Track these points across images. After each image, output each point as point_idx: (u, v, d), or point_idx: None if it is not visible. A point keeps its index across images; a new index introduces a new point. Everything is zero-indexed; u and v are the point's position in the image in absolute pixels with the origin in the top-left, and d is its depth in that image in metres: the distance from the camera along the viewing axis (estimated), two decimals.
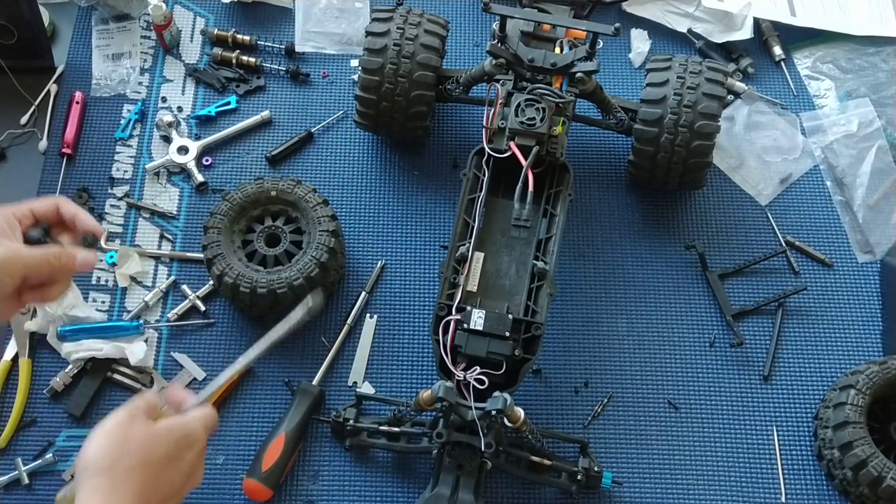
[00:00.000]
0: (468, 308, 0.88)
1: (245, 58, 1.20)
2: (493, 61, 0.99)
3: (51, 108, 1.17)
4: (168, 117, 1.15)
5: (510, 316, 0.88)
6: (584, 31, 0.98)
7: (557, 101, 0.96)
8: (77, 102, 1.16)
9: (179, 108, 1.18)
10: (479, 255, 0.94)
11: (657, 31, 1.25)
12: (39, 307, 1.02)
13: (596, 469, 0.93)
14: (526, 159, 0.93)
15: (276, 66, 1.20)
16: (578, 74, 0.98)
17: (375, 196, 1.13)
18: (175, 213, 1.12)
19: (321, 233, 1.00)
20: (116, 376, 1.01)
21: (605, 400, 1.02)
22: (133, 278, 1.07)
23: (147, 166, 1.13)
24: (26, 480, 0.95)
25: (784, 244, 1.12)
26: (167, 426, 0.68)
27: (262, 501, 0.94)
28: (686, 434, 1.01)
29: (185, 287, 1.06)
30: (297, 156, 1.16)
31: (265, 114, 1.17)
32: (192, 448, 0.69)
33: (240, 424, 0.99)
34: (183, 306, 1.05)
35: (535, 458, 0.92)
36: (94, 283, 1.07)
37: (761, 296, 1.08)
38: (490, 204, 0.97)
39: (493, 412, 0.82)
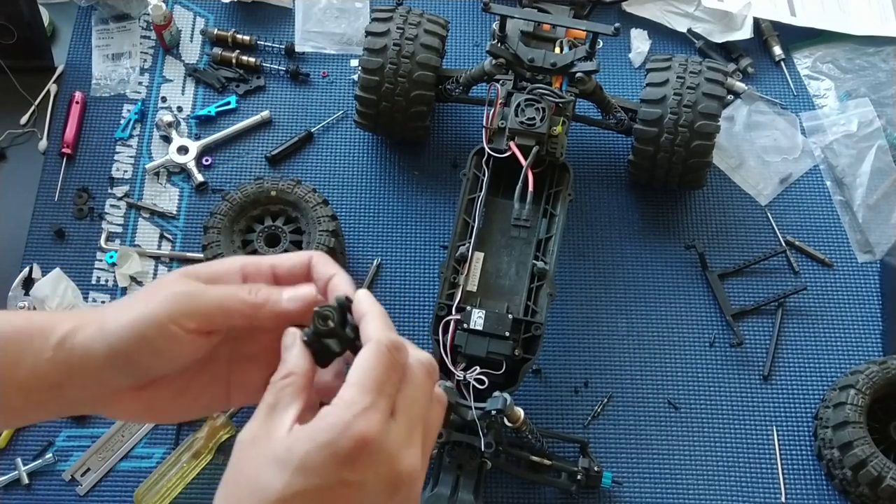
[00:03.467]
0: (468, 308, 0.88)
1: (245, 58, 1.20)
2: (493, 61, 0.99)
3: (51, 108, 1.17)
4: (168, 117, 1.15)
5: (510, 316, 0.88)
6: (583, 31, 0.98)
7: (557, 101, 0.96)
8: (77, 102, 1.16)
9: (179, 108, 1.18)
10: (479, 255, 0.94)
11: (657, 31, 1.25)
12: (39, 307, 1.01)
13: (596, 469, 0.93)
14: (526, 159, 0.92)
15: (276, 66, 1.20)
16: (578, 74, 0.98)
17: (375, 196, 1.13)
18: (175, 213, 1.12)
19: (321, 233, 1.00)
20: None
21: (605, 400, 1.02)
22: (133, 278, 1.07)
23: (147, 166, 1.13)
24: (26, 480, 0.95)
25: (784, 244, 1.12)
26: (328, 424, 0.42)
27: None
28: (686, 434, 1.01)
29: None
30: (297, 156, 1.16)
31: (265, 114, 1.17)
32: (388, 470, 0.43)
33: (239, 425, 0.99)
34: None
35: (535, 458, 0.92)
36: (94, 283, 1.07)
37: (761, 296, 1.08)
38: (490, 204, 0.97)
39: (493, 412, 0.82)
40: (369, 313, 0.47)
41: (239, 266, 0.51)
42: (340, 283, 0.50)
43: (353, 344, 0.47)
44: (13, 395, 0.48)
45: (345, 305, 0.47)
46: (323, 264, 0.51)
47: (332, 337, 0.47)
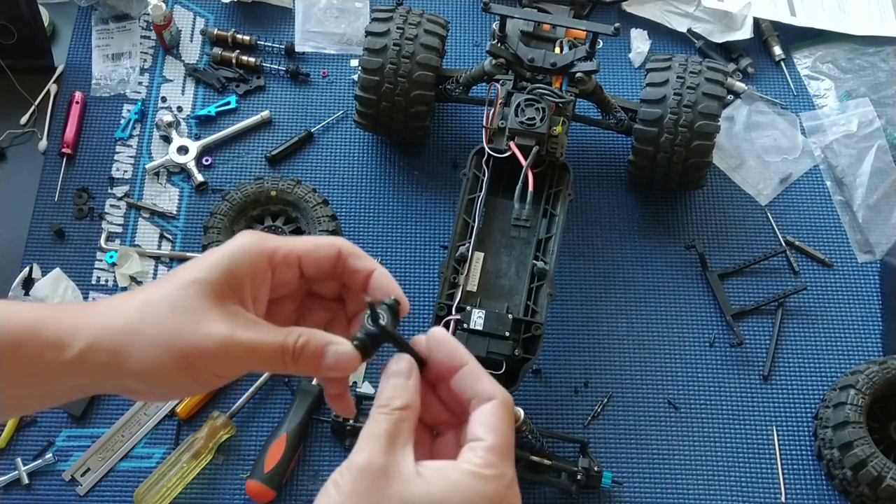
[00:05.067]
0: (468, 308, 0.88)
1: (245, 58, 1.20)
2: (493, 61, 0.99)
3: (51, 108, 1.17)
4: (168, 117, 1.15)
5: (510, 316, 0.88)
6: (583, 31, 0.98)
7: (557, 101, 0.96)
8: (77, 102, 1.16)
9: (179, 108, 1.18)
10: (479, 255, 0.94)
11: (657, 31, 1.25)
12: None
13: (596, 469, 0.93)
14: (526, 159, 0.93)
15: (276, 66, 1.20)
16: (578, 74, 0.98)
17: (375, 196, 1.13)
18: (175, 213, 1.12)
19: (321, 233, 1.00)
20: None
21: (605, 400, 1.02)
22: (133, 278, 1.07)
23: (147, 166, 1.13)
24: (26, 480, 0.95)
25: (784, 244, 1.12)
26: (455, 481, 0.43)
27: (265, 503, 0.94)
28: (686, 434, 1.01)
29: None
30: (297, 156, 1.16)
31: (265, 114, 1.17)
32: None
33: (239, 425, 0.99)
34: None
35: (535, 458, 0.92)
36: (94, 283, 1.07)
37: (761, 296, 1.08)
38: (490, 204, 0.97)
39: None
40: (476, 368, 0.48)
41: (265, 264, 0.49)
42: (384, 280, 0.50)
43: (407, 348, 0.48)
44: (33, 402, 0.48)
45: (395, 309, 0.48)
46: (357, 257, 0.50)
47: (386, 340, 0.47)
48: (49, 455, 0.96)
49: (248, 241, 0.49)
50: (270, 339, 0.47)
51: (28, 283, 1.04)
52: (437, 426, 0.51)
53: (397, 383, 0.46)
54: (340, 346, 0.47)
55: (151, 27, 1.21)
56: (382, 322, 0.46)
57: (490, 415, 0.46)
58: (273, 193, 1.03)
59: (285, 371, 0.48)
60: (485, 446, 0.45)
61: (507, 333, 0.86)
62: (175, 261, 1.09)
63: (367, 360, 0.48)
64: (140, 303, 0.47)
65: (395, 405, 0.45)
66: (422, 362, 0.48)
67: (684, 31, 1.25)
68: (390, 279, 0.50)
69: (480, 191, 0.95)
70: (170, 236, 1.10)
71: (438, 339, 0.48)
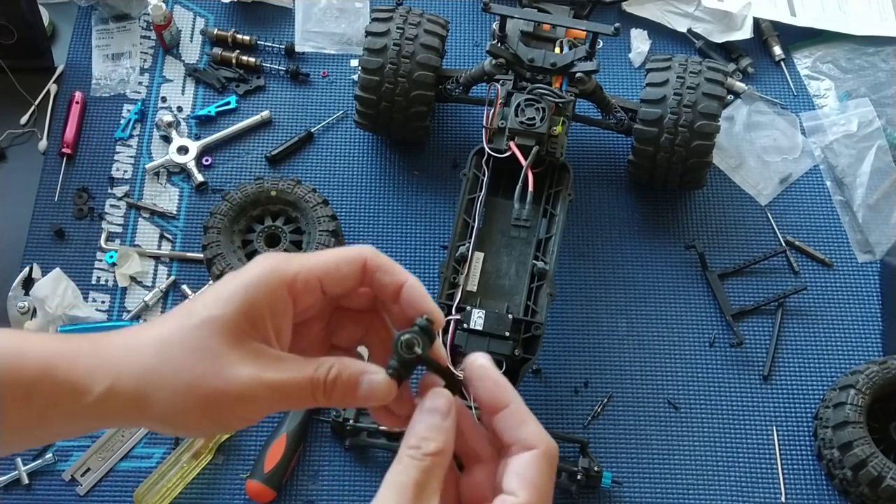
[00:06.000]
0: (468, 308, 0.88)
1: (245, 58, 1.20)
2: (493, 61, 0.99)
3: (51, 108, 1.17)
4: (168, 117, 1.15)
5: (510, 316, 0.88)
6: (583, 31, 0.98)
7: (557, 101, 0.96)
8: (77, 102, 1.16)
9: (179, 108, 1.18)
10: (479, 255, 0.94)
11: (657, 31, 1.25)
12: (39, 308, 1.01)
13: (596, 469, 0.93)
14: (526, 159, 0.92)
15: (276, 66, 1.20)
16: (578, 74, 0.98)
17: (375, 196, 1.13)
18: (175, 213, 1.11)
19: (321, 233, 1.00)
20: None
21: (605, 400, 1.02)
22: (133, 278, 1.07)
23: (147, 166, 1.13)
24: (26, 480, 0.95)
25: (784, 244, 1.12)
26: None
27: (265, 503, 0.94)
28: (686, 434, 1.01)
29: (185, 287, 1.06)
30: (297, 156, 1.16)
31: (265, 114, 1.17)
32: None
33: None
34: None
35: None
36: (94, 283, 1.07)
37: (761, 296, 1.08)
38: (490, 204, 0.97)
39: None
40: (520, 410, 0.43)
41: (285, 294, 0.45)
42: (416, 295, 0.46)
43: (445, 372, 0.45)
44: (47, 438, 0.46)
45: (429, 330, 0.44)
46: (384, 271, 0.46)
47: (419, 364, 0.44)
48: (49, 455, 0.96)
49: (264, 269, 0.44)
50: (299, 377, 0.43)
51: (28, 283, 1.04)
52: (465, 457, 0.47)
53: (433, 423, 0.43)
54: (375, 375, 0.43)
55: (151, 27, 1.21)
56: (418, 350, 0.43)
57: (529, 467, 0.42)
58: (273, 193, 1.02)
59: (317, 406, 0.45)
60: (518, 503, 0.41)
61: (507, 333, 0.86)
62: (175, 261, 1.09)
63: (404, 382, 0.45)
64: (156, 343, 0.43)
65: (427, 449, 0.42)
66: (459, 387, 0.45)
67: (684, 31, 1.25)
68: (422, 294, 0.46)
69: (480, 191, 0.95)
70: (170, 236, 1.10)
71: (480, 374, 0.45)
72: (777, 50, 1.24)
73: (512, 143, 0.94)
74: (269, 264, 0.45)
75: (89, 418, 0.44)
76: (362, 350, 0.51)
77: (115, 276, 1.07)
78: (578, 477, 0.92)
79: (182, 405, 0.43)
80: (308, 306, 0.47)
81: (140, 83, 1.20)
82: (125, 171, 1.14)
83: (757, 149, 1.17)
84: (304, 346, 0.47)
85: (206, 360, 0.42)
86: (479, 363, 0.45)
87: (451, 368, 0.46)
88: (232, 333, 0.43)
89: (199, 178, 1.12)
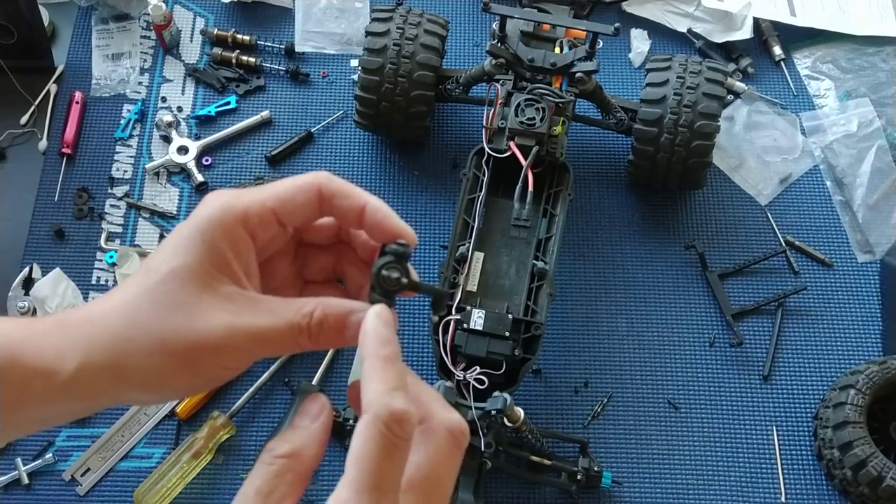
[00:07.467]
0: (468, 308, 0.87)
1: (245, 58, 1.20)
2: (493, 61, 0.99)
3: (51, 108, 1.17)
4: (168, 117, 1.15)
5: (510, 316, 0.88)
6: (583, 31, 0.98)
7: (557, 101, 0.96)
8: (77, 102, 1.16)
9: (179, 108, 1.18)
10: (479, 255, 0.94)
11: (657, 31, 1.25)
12: (39, 308, 1.01)
13: (596, 469, 0.93)
14: (526, 159, 0.93)
15: (276, 66, 1.20)
16: (578, 74, 0.98)
17: (375, 196, 1.13)
18: (175, 213, 1.11)
19: None
20: None
21: (605, 400, 1.02)
22: None
23: (147, 166, 1.13)
24: (26, 480, 0.95)
25: (784, 244, 1.12)
26: None
27: None
28: (686, 434, 1.01)
29: None
30: (297, 156, 1.16)
31: (265, 114, 1.17)
32: None
33: (239, 425, 0.99)
34: None
35: (535, 458, 0.92)
36: (93, 283, 1.07)
37: (761, 296, 1.08)
38: (490, 204, 0.97)
39: (493, 412, 0.82)
40: (369, 360, 0.38)
41: (241, 232, 0.42)
42: (380, 216, 0.43)
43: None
44: (28, 426, 0.43)
45: (405, 254, 0.42)
46: (342, 196, 0.43)
47: (402, 289, 0.42)
48: (49, 455, 0.96)
49: (214, 209, 0.41)
50: (280, 323, 0.40)
51: (28, 283, 1.04)
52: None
53: (297, 425, 0.40)
54: (363, 312, 0.40)
55: (151, 27, 1.21)
56: (404, 281, 0.41)
57: (355, 444, 0.37)
58: None
59: (302, 350, 0.42)
60: (344, 482, 0.37)
61: (507, 333, 0.86)
62: None
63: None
64: (122, 308, 0.41)
65: (278, 451, 0.39)
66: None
67: (684, 31, 1.25)
68: (387, 213, 0.43)
69: (480, 191, 0.95)
70: None
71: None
72: (777, 50, 1.24)
73: (512, 143, 0.94)
74: (219, 203, 0.42)
75: (67, 398, 0.41)
76: None
77: (115, 277, 1.07)
78: (578, 477, 0.92)
79: (160, 366, 0.40)
80: (268, 241, 0.44)
81: (140, 83, 1.20)
82: (125, 171, 1.14)
83: (757, 149, 1.17)
84: (276, 286, 0.45)
85: (178, 315, 0.40)
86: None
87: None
88: (200, 281, 0.40)
89: (199, 178, 1.12)
